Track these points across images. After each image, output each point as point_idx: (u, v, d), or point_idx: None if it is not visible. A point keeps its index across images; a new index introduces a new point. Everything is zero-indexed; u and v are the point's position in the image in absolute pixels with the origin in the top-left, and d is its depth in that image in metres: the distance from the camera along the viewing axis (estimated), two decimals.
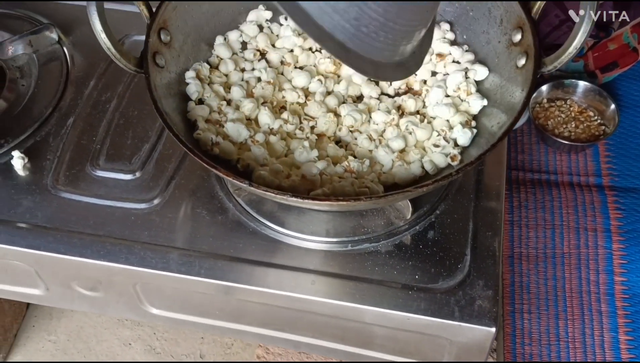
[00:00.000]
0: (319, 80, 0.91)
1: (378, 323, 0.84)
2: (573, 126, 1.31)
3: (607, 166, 1.29)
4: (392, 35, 0.64)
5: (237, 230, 0.88)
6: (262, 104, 0.88)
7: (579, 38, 0.74)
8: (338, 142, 0.88)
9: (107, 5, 0.78)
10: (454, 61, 0.92)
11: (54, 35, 1.07)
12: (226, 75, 0.92)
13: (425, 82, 0.93)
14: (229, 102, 0.89)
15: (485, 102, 0.85)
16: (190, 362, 1.62)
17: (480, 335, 0.80)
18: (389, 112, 0.88)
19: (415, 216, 0.88)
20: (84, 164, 0.94)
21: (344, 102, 0.91)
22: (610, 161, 1.29)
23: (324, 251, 0.86)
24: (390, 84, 0.93)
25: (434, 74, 0.93)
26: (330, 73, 0.93)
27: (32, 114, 0.99)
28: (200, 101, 0.88)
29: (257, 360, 1.54)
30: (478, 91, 0.88)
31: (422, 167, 0.83)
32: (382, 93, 0.93)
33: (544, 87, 1.33)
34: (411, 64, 0.72)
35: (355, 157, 0.85)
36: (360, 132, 0.87)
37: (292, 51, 0.95)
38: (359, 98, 0.93)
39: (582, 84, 1.32)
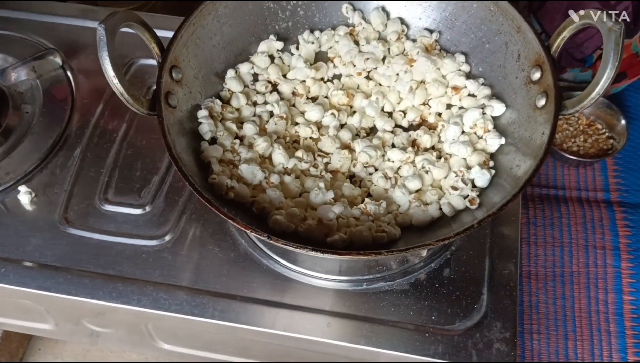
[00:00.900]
0: (332, 113, 0.89)
1: None
2: (582, 139, 1.29)
3: (615, 181, 1.28)
4: None
5: (249, 268, 0.87)
6: (276, 140, 0.86)
7: (602, 84, 0.73)
8: (352, 177, 0.87)
9: None
10: (469, 95, 0.90)
11: (57, 59, 1.04)
12: (238, 109, 0.90)
13: (439, 114, 0.91)
14: (242, 139, 0.87)
15: (502, 140, 0.84)
16: None
17: None
18: (404, 148, 0.86)
19: (431, 253, 0.87)
20: (92, 199, 0.92)
21: (357, 135, 0.90)
22: (619, 175, 1.29)
23: (338, 290, 0.85)
24: (404, 117, 0.91)
25: (449, 106, 0.91)
26: (343, 105, 0.92)
27: (38, 144, 0.97)
28: (213, 140, 0.86)
29: None
30: (495, 127, 0.86)
31: (440, 208, 0.81)
32: (396, 125, 0.91)
33: None
34: None
35: (370, 195, 0.84)
36: (376, 169, 0.86)
37: (303, 81, 0.93)
38: (372, 130, 0.91)
39: None
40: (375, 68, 0.94)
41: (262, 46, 0.94)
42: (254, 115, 0.90)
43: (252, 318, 0.83)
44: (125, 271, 0.86)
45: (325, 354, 0.86)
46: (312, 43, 0.95)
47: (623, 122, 1.26)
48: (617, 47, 0.72)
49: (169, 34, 0.82)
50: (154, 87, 0.79)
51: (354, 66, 0.94)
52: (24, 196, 0.91)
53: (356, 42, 0.96)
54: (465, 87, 0.90)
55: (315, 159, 0.86)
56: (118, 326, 0.91)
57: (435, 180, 0.84)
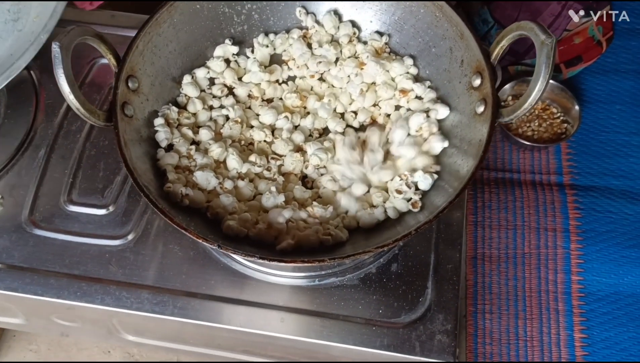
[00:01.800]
0: (286, 117, 0.93)
1: (345, 358, 0.88)
2: (536, 124, 1.34)
3: (568, 164, 1.33)
4: None
5: (208, 266, 0.91)
6: (230, 145, 0.90)
7: (534, 96, 0.76)
8: (305, 177, 0.91)
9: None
10: (416, 97, 0.94)
11: None
12: (194, 114, 0.93)
13: (389, 116, 0.95)
14: (198, 144, 0.90)
15: (446, 143, 0.88)
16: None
17: None
18: (353, 148, 0.90)
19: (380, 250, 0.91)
20: (57, 200, 0.96)
21: (310, 135, 0.94)
22: (572, 158, 1.33)
23: (293, 286, 0.90)
24: (355, 118, 0.95)
25: (397, 108, 0.95)
26: (296, 108, 0.95)
27: (3, 145, 1.00)
28: (170, 146, 0.89)
29: None
30: (440, 129, 0.90)
31: (385, 211, 0.86)
32: (348, 126, 0.95)
33: (508, 86, 1.35)
34: None
35: (320, 197, 0.88)
36: (327, 170, 0.90)
37: (259, 84, 0.97)
38: (325, 130, 0.95)
39: None
40: (328, 70, 0.98)
41: (218, 51, 0.97)
42: (210, 119, 0.93)
43: (211, 315, 0.88)
44: (90, 271, 0.91)
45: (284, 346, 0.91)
46: (267, 46, 0.98)
47: (577, 107, 1.30)
48: (549, 60, 0.74)
49: (134, 33, 0.85)
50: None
51: (308, 68, 0.98)
52: None
53: (309, 45, 0.99)
54: (413, 90, 0.94)
55: (268, 162, 0.90)
56: (85, 321, 0.96)
57: (381, 181, 0.89)
